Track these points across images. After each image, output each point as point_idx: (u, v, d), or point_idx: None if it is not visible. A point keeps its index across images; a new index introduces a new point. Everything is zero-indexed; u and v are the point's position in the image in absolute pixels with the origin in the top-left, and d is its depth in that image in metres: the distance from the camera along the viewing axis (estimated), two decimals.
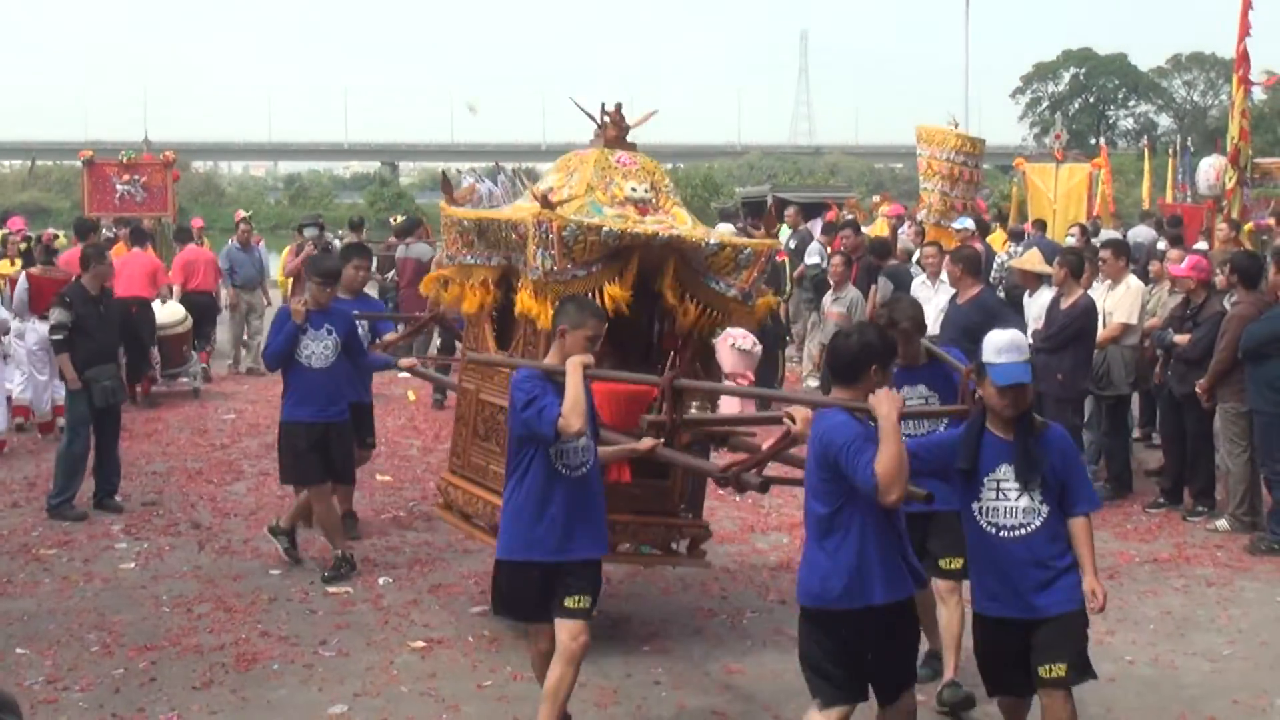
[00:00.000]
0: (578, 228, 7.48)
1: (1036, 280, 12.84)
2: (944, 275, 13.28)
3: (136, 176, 22.47)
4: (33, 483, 12.07)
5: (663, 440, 6.95)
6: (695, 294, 7.97)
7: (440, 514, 9.04)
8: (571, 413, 6.22)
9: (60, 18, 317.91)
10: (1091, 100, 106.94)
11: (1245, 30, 18.07)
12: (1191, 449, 11.33)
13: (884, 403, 5.53)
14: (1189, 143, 38.76)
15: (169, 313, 17.16)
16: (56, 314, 11.26)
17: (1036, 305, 12.60)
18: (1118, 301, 11.89)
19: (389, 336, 11.21)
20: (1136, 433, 13.49)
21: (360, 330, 10.28)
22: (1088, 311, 11.42)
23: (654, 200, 8.11)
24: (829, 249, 17.99)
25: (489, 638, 8.21)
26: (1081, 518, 5.96)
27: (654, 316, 8.47)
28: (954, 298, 11.31)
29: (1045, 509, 5.87)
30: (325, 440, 9.60)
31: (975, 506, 5.95)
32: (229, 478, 12.44)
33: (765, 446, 7.00)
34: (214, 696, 7.36)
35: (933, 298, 13.62)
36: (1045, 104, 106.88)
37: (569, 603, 6.43)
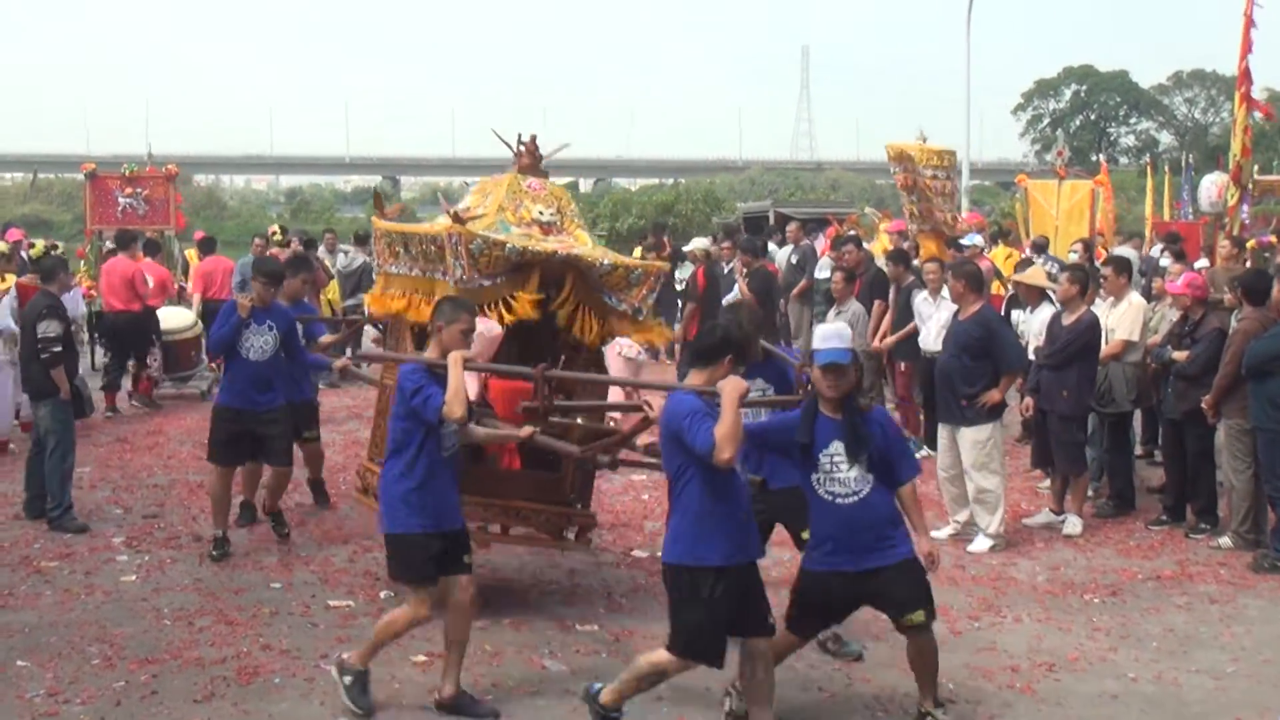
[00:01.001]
0: (484, 242, 8.43)
1: (1039, 296, 12.85)
2: (945, 292, 13.31)
3: (139, 189, 22.43)
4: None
5: (538, 429, 7.74)
6: (591, 307, 8.94)
7: (357, 498, 9.90)
8: (454, 401, 7.02)
9: (62, 31, 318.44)
10: (1093, 117, 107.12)
11: (1247, 48, 18.07)
12: (1192, 466, 11.33)
13: (729, 385, 6.44)
14: (1190, 160, 38.75)
15: (178, 318, 17.82)
16: (52, 326, 11.27)
17: (1037, 321, 12.62)
18: (1119, 318, 11.89)
19: (324, 339, 12.00)
20: (1139, 450, 13.46)
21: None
22: (1092, 327, 11.42)
23: (558, 223, 9.15)
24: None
25: (490, 651, 8.21)
26: (908, 484, 7.07)
27: (556, 328, 9.16)
28: (956, 313, 11.30)
29: (872, 477, 6.89)
30: (254, 427, 10.53)
31: (815, 478, 6.95)
32: (231, 490, 12.38)
33: (624, 429, 8.06)
34: (215, 710, 7.34)
35: (935, 313, 13.64)
36: (1046, 120, 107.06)
37: (466, 559, 7.43)
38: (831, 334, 7.12)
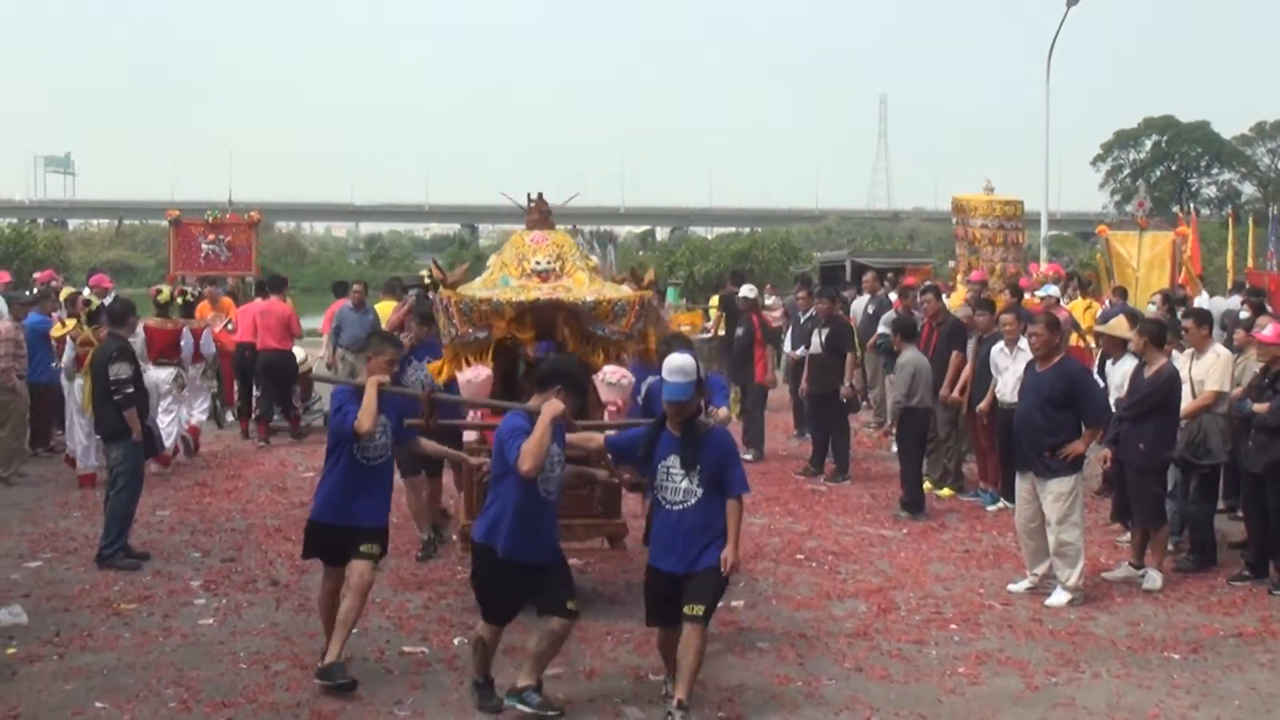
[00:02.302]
0: (471, 301, 9.94)
1: (1121, 347, 12.72)
2: (1021, 342, 13.23)
3: (221, 236, 22.79)
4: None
5: (486, 464, 8.74)
6: (584, 338, 10.16)
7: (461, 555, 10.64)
8: (364, 417, 8.39)
9: (149, 82, 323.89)
10: (1173, 168, 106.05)
11: None
12: (1274, 521, 11.12)
13: (546, 408, 7.76)
14: (1276, 211, 38.28)
15: (302, 354, 19.19)
16: (123, 369, 11.43)
17: (1119, 373, 12.49)
18: (1208, 369, 11.75)
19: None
20: (1220, 504, 13.25)
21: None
22: (1171, 380, 11.29)
23: (557, 269, 10.31)
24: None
25: (563, 699, 8.18)
26: (733, 499, 7.80)
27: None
28: (1032, 364, 11.20)
29: (700, 490, 7.73)
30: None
31: (655, 484, 7.88)
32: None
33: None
34: None
35: (1010, 365, 13.54)
36: (1126, 171, 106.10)
37: (364, 549, 8.52)
38: (678, 368, 7.85)
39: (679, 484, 7.76)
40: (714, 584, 7.74)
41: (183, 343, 16.32)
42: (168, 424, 15.82)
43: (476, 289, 10.23)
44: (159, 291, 17.25)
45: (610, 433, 8.67)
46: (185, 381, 16.52)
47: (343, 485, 8.57)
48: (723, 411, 9.47)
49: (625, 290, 10.44)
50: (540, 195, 10.78)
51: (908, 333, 14.70)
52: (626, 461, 8.44)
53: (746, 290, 17.78)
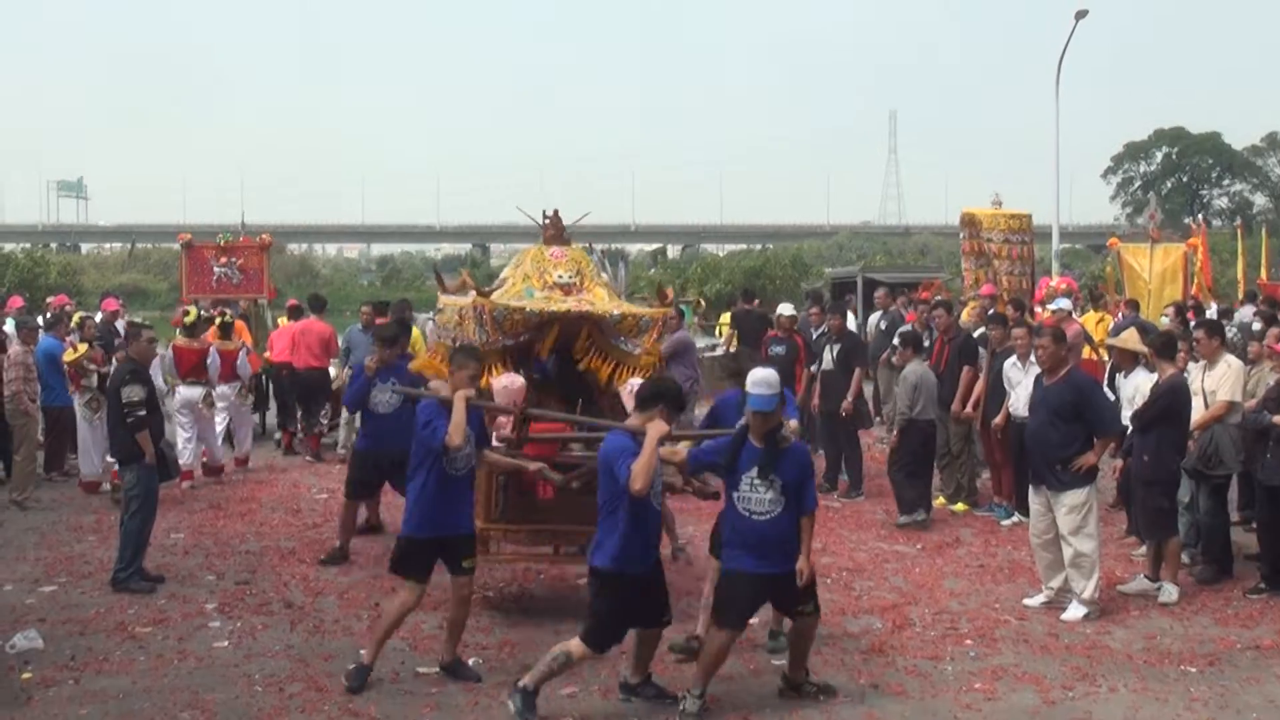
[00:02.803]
0: (504, 309, 10.05)
1: (1133, 360, 12.70)
2: (1034, 356, 13.23)
3: (233, 259, 22.78)
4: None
5: (545, 466, 9.47)
6: (608, 352, 10.51)
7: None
8: (454, 431, 8.58)
9: (161, 106, 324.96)
10: (1185, 179, 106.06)
11: None
12: None
13: (652, 429, 7.91)
14: None
15: (335, 372, 19.53)
16: (135, 391, 11.46)
17: (1130, 385, 12.47)
18: (1219, 380, 11.72)
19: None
20: (1235, 516, 13.20)
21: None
22: (1174, 390, 11.27)
23: (577, 283, 10.69)
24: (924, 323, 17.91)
25: (579, 717, 8.17)
26: (806, 515, 8.23)
27: (581, 374, 10.81)
28: (1040, 377, 11.19)
29: (784, 500, 8.11)
30: (388, 466, 12.02)
31: (735, 495, 8.19)
32: (321, 557, 12.51)
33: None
34: None
35: (1023, 379, 13.52)
36: (1137, 183, 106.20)
37: (465, 564, 9.04)
38: (761, 380, 8.19)
39: (763, 495, 8.11)
40: (809, 585, 8.33)
41: (209, 362, 16.79)
42: (183, 443, 16.31)
43: (509, 298, 10.42)
44: (186, 313, 17.59)
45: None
46: (214, 400, 16.99)
47: (437, 498, 8.83)
48: (793, 423, 9.53)
49: (649, 307, 10.77)
50: (556, 212, 11.08)
51: (913, 345, 14.73)
52: (708, 472, 8.72)
53: (785, 308, 17.75)
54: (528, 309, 10.15)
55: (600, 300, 10.63)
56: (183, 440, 16.41)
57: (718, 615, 8.32)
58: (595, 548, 8.18)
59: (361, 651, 9.00)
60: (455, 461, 8.80)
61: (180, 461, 15.41)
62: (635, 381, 10.18)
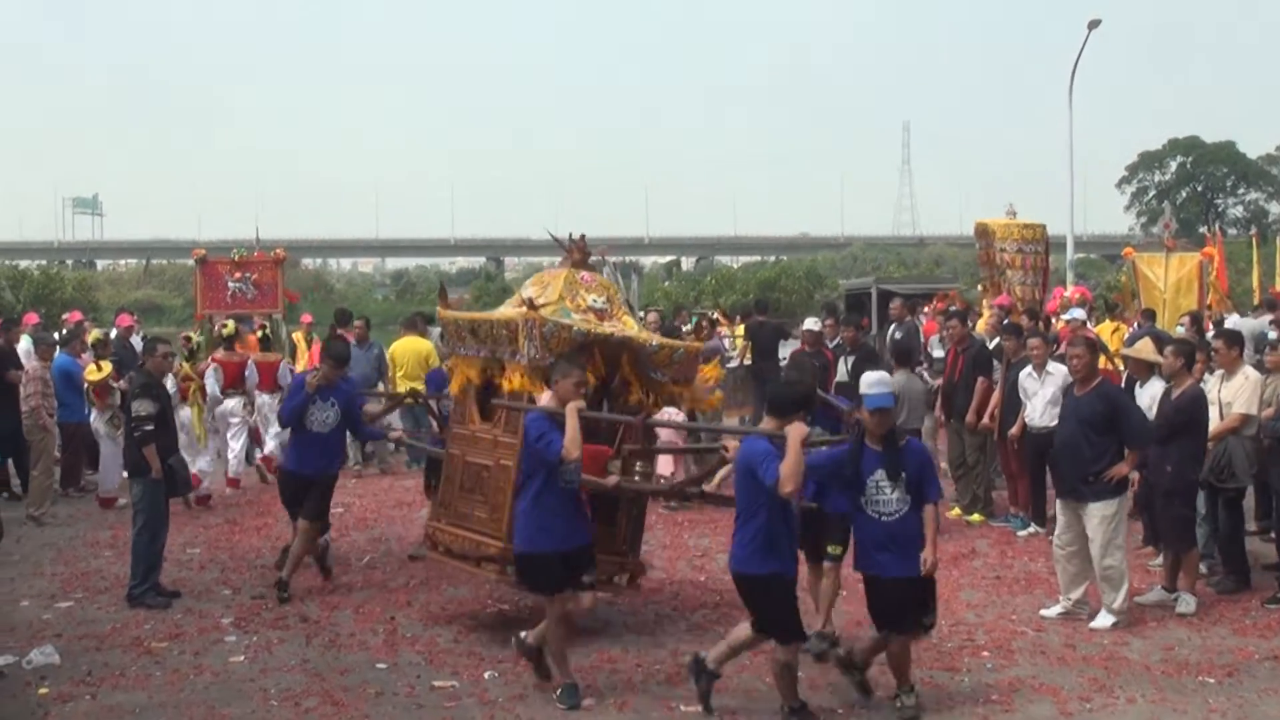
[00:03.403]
0: (555, 326, 9.92)
1: (1148, 370, 12.66)
2: (1050, 366, 13.24)
3: (248, 274, 22.76)
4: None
5: (620, 479, 9.71)
6: (642, 381, 10.44)
7: (430, 556, 11.06)
8: (571, 444, 8.51)
9: (175, 122, 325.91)
10: (1199, 189, 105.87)
11: None
12: None
13: (794, 431, 7.87)
14: None
15: None
16: (144, 405, 11.47)
17: (1147, 395, 12.42)
18: (1235, 391, 11.67)
19: (369, 408, 14.16)
20: (1253, 526, 13.14)
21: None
22: (1195, 401, 11.23)
23: (609, 310, 10.64)
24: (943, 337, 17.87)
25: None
26: (930, 504, 8.47)
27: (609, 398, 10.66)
28: (1071, 387, 11.15)
29: (910, 498, 8.38)
30: (308, 487, 11.92)
31: (863, 499, 8.43)
32: (337, 571, 12.51)
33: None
34: None
35: (1039, 389, 13.51)
36: (1152, 193, 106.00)
37: (587, 580, 8.94)
38: (876, 381, 8.61)
39: (890, 495, 8.39)
40: (932, 587, 8.58)
41: (247, 373, 17.32)
42: (237, 450, 17.51)
43: (556, 316, 10.31)
44: (224, 327, 18.02)
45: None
46: (254, 409, 17.64)
47: (555, 511, 8.77)
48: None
49: (684, 341, 11.19)
50: (583, 236, 11.09)
51: (902, 357, 14.80)
52: (829, 478, 8.88)
53: (811, 323, 17.69)
54: (575, 328, 10.09)
55: (631, 328, 10.70)
56: (233, 450, 17.46)
57: (882, 621, 8.56)
58: (739, 555, 8.21)
59: (554, 672, 8.86)
60: (566, 473, 8.72)
61: (229, 472, 17.38)
62: (670, 410, 10.41)
